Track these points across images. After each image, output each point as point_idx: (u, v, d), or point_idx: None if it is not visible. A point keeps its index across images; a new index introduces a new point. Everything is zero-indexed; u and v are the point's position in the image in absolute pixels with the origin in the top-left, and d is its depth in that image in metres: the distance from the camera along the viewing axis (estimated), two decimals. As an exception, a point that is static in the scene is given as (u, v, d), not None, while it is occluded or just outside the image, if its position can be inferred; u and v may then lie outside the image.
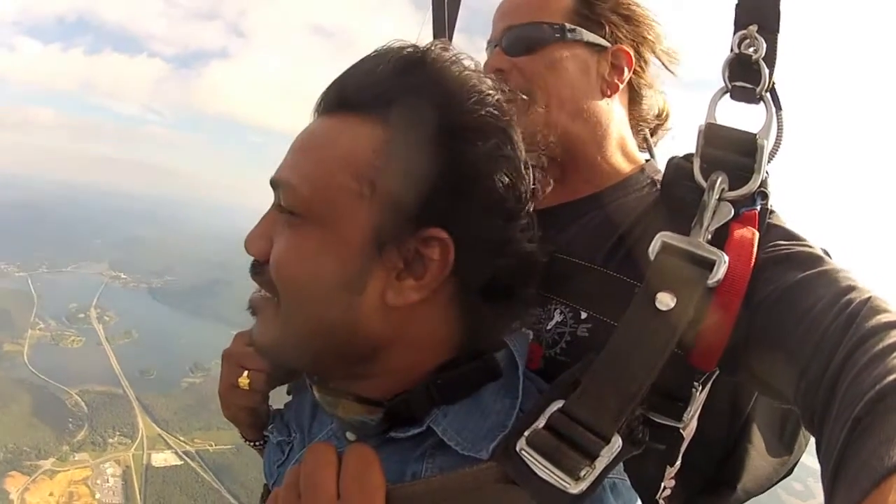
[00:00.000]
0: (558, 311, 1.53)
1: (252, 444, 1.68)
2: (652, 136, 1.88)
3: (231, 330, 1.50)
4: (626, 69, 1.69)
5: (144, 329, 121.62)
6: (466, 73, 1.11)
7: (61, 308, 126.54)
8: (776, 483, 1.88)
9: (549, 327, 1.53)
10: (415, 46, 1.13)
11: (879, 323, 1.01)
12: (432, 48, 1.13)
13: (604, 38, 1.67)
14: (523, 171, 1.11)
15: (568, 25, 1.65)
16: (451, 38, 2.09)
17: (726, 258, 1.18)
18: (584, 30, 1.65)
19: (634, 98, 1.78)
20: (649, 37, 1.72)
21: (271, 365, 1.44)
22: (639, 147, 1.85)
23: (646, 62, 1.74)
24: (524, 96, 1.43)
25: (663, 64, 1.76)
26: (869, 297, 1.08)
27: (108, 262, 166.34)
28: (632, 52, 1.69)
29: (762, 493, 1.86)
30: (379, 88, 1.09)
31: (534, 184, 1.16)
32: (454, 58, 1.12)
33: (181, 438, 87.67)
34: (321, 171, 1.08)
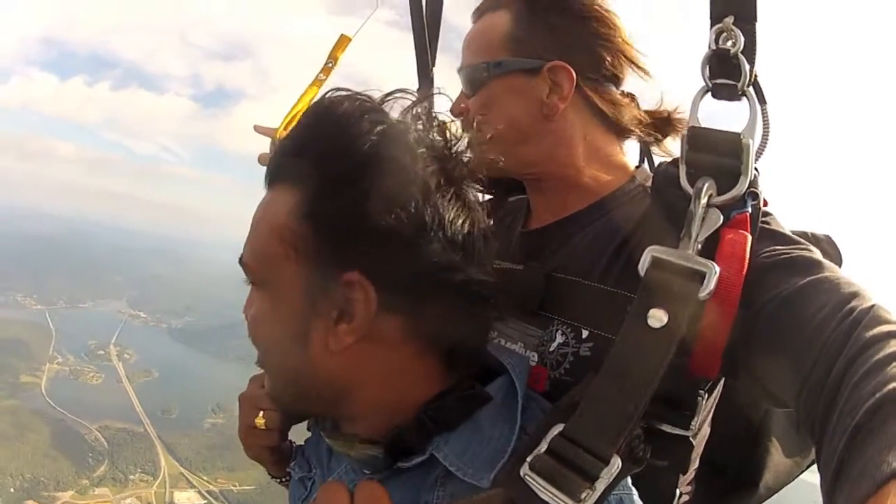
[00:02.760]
0: (560, 331, 1.61)
1: (279, 480, 1.83)
2: (666, 136, 1.87)
3: (252, 371, 1.67)
4: (565, 84, 1.70)
5: (165, 368, 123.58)
6: (353, 117, 1.19)
7: (80, 343, 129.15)
8: (797, 476, 1.99)
9: (552, 349, 1.61)
10: (317, 103, 1.27)
11: (881, 332, 1.04)
12: (325, 100, 1.25)
13: (540, 57, 1.71)
14: (435, 211, 1.18)
15: (494, 61, 1.74)
16: (433, 61, 2.28)
17: (717, 269, 1.19)
18: (514, 58, 1.73)
19: (601, 108, 1.76)
20: (602, 31, 1.73)
21: (282, 407, 1.56)
22: (644, 150, 2.02)
23: (607, 65, 1.75)
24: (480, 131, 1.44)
25: (628, 58, 1.77)
26: (872, 306, 1.11)
27: (126, 299, 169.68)
28: (569, 66, 1.69)
29: (783, 487, 1.98)
30: (287, 156, 1.26)
31: (460, 216, 1.22)
32: (346, 113, 1.21)
33: (204, 478, 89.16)
34: (259, 242, 1.26)
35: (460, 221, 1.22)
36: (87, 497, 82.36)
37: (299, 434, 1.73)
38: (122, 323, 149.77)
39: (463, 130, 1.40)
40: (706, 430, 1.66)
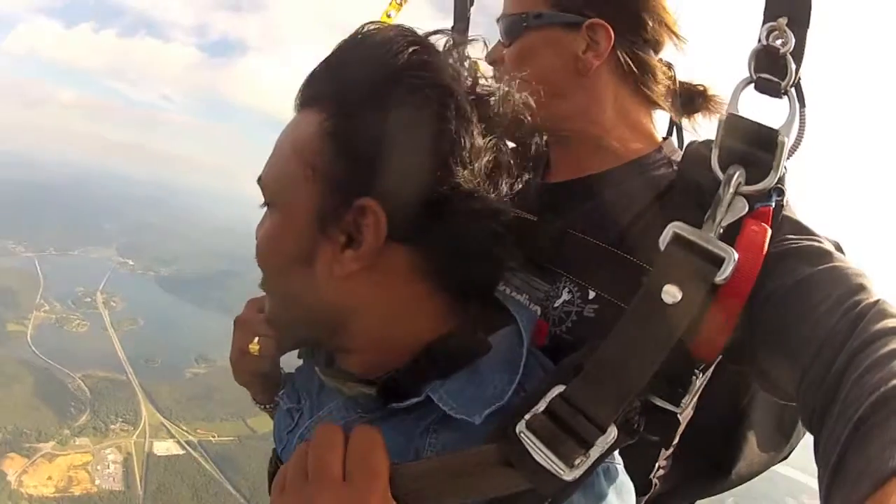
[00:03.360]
0: (567, 289, 1.59)
1: (263, 407, 1.84)
2: (697, 112, 1.88)
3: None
4: (602, 43, 1.69)
5: (151, 317, 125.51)
6: (391, 49, 1.16)
7: (68, 291, 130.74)
8: (769, 468, 2.00)
9: (556, 305, 1.59)
10: (357, 31, 1.25)
11: (886, 327, 1.04)
12: (364, 29, 1.23)
13: (580, 14, 1.70)
14: (460, 136, 1.15)
15: (534, 12, 1.72)
16: (468, 25, 2.26)
17: (736, 256, 1.19)
18: (555, 11, 1.72)
19: (636, 72, 1.76)
20: (631, 6, 1.72)
21: (279, 333, 1.54)
22: (673, 124, 1.96)
23: (648, 30, 1.74)
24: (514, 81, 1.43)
25: (667, 26, 1.75)
26: (877, 301, 1.11)
27: (116, 247, 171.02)
28: (608, 25, 1.68)
29: (754, 478, 1.98)
30: (318, 78, 1.26)
31: (487, 150, 1.20)
32: (384, 36, 1.19)
33: (184, 428, 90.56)
34: (279, 163, 1.26)
35: (485, 153, 1.20)
36: (67, 447, 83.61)
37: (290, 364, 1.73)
38: (110, 270, 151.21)
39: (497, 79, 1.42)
40: (691, 408, 1.66)
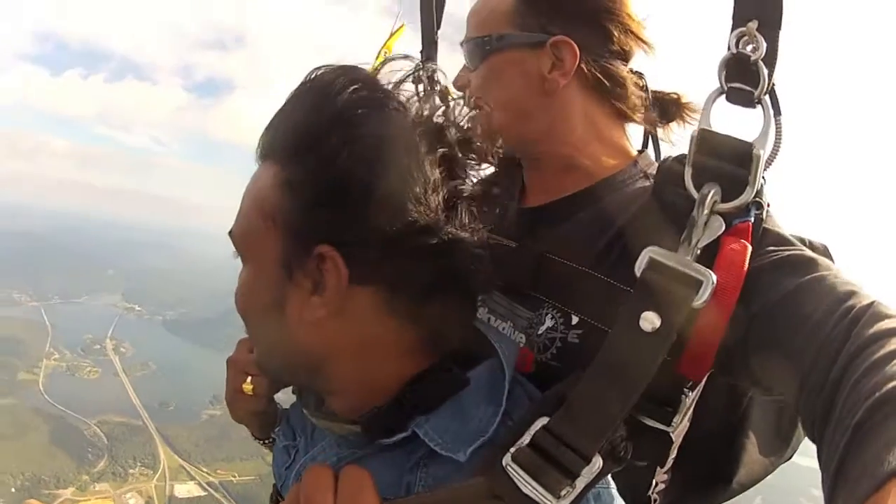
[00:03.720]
0: (549, 315, 1.59)
1: (262, 442, 1.88)
2: (672, 121, 1.86)
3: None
4: (567, 60, 1.67)
5: (162, 361, 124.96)
6: (331, 92, 1.18)
7: (76, 339, 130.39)
8: (770, 473, 1.98)
9: (540, 332, 1.58)
10: (304, 78, 1.26)
11: (881, 329, 1.04)
12: (314, 74, 1.25)
13: (543, 31, 1.68)
14: (410, 172, 1.15)
15: (496, 34, 1.72)
16: (436, 49, 2.24)
17: (714, 279, 1.19)
18: (517, 32, 1.70)
19: (605, 86, 1.72)
20: (607, 4, 1.69)
21: (267, 376, 1.61)
22: (648, 134, 1.95)
23: (614, 41, 1.71)
24: (478, 105, 1.44)
25: (633, 34, 1.73)
26: (871, 303, 1.10)
27: (121, 293, 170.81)
28: (574, 43, 1.66)
29: (756, 483, 1.96)
30: (274, 131, 1.28)
31: (445, 180, 1.20)
32: (325, 80, 1.22)
33: (204, 470, 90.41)
34: (244, 216, 1.29)
35: (441, 184, 1.20)
36: (87, 493, 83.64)
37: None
38: (117, 316, 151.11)
39: (464, 104, 1.43)
40: (686, 424, 1.66)
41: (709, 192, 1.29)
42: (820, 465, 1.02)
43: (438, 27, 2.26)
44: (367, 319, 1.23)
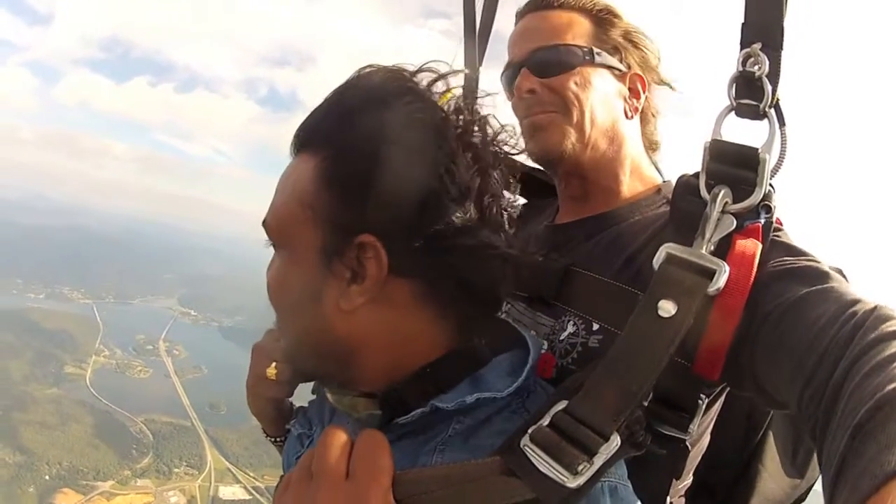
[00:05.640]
0: (571, 322, 1.71)
1: (273, 440, 1.89)
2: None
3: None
4: (641, 94, 1.93)
5: (215, 365, 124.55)
6: (381, 91, 1.27)
7: (128, 338, 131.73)
8: None
9: (562, 338, 1.71)
10: (352, 75, 1.34)
11: (884, 332, 1.07)
12: (359, 74, 1.32)
13: (620, 62, 1.91)
14: (450, 173, 1.23)
15: (595, 49, 1.87)
16: (481, 62, 2.40)
17: (727, 268, 1.29)
18: (606, 54, 1.89)
19: (650, 118, 2.02)
20: (653, 64, 1.97)
21: (294, 368, 1.61)
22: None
23: (650, 87, 1.97)
24: (554, 110, 1.82)
25: (668, 86, 2.01)
26: (875, 307, 1.15)
27: (177, 297, 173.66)
28: (644, 77, 1.93)
29: None
30: (312, 123, 1.33)
31: (478, 186, 1.28)
32: (375, 79, 1.30)
33: (250, 474, 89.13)
34: (281, 205, 1.32)
35: (478, 187, 1.28)
36: (127, 488, 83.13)
37: (304, 400, 1.78)
38: (172, 320, 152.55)
39: (528, 110, 1.86)
40: (703, 443, 1.77)
41: (720, 191, 1.42)
42: (820, 466, 1.08)
43: (481, 63, 2.41)
44: (402, 311, 1.29)
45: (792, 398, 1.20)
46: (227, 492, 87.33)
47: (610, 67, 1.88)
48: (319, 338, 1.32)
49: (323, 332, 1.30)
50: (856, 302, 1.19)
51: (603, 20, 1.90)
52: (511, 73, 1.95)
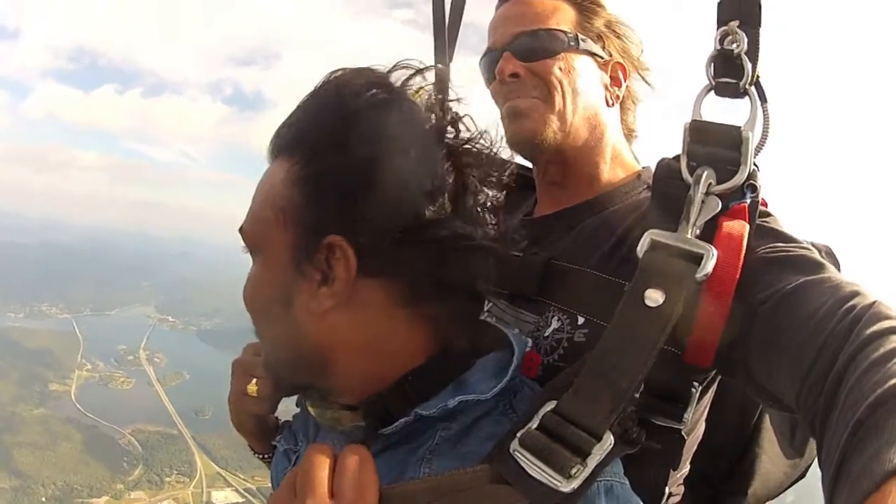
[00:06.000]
0: (556, 317, 1.69)
1: (261, 456, 1.87)
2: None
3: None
4: (622, 82, 1.92)
5: (196, 370, 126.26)
6: (348, 91, 1.26)
7: (109, 350, 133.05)
8: (788, 487, 2.08)
9: (546, 334, 1.68)
10: (322, 80, 1.33)
11: (882, 328, 1.06)
12: (331, 77, 1.32)
13: (602, 50, 1.89)
14: (420, 167, 1.22)
15: (580, 35, 1.85)
16: (451, 58, 2.31)
17: (714, 252, 1.26)
18: (589, 41, 1.87)
19: (629, 105, 2.00)
20: (634, 53, 1.96)
21: (274, 377, 1.57)
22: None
23: (630, 76, 1.96)
24: (537, 96, 1.80)
25: (643, 79, 1.99)
26: (873, 303, 1.14)
27: (154, 304, 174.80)
28: (625, 66, 1.92)
29: (773, 497, 2.07)
30: (288, 130, 1.34)
31: (453, 177, 1.27)
32: (342, 80, 1.30)
33: (241, 476, 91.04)
34: (255, 210, 1.34)
35: (450, 180, 1.27)
36: (122, 501, 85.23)
37: (288, 414, 1.81)
38: (150, 328, 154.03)
39: (510, 94, 1.83)
40: (699, 431, 1.76)
41: (703, 172, 1.39)
42: (819, 461, 1.06)
43: (451, 60, 2.34)
44: (376, 312, 1.26)
45: (789, 390, 1.18)
46: (219, 496, 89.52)
47: (593, 55, 1.87)
48: (294, 344, 1.30)
49: (296, 338, 1.29)
50: (854, 295, 1.17)
51: (586, 8, 1.89)
52: (492, 58, 1.92)
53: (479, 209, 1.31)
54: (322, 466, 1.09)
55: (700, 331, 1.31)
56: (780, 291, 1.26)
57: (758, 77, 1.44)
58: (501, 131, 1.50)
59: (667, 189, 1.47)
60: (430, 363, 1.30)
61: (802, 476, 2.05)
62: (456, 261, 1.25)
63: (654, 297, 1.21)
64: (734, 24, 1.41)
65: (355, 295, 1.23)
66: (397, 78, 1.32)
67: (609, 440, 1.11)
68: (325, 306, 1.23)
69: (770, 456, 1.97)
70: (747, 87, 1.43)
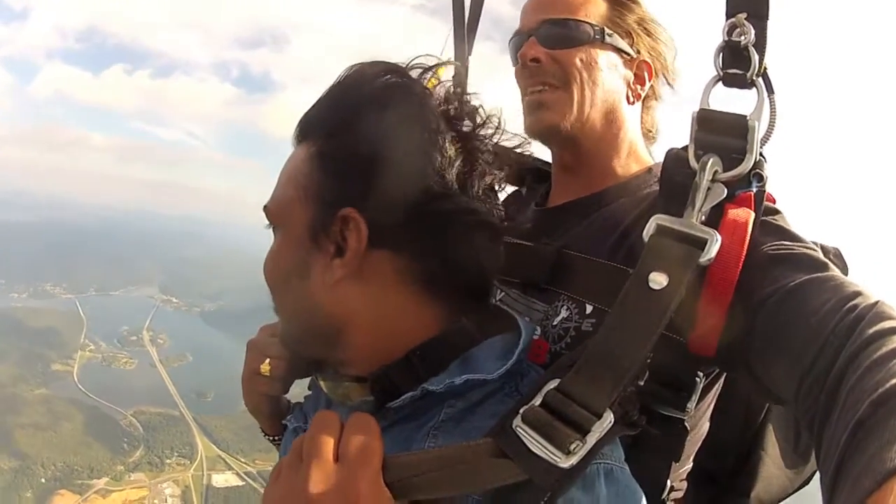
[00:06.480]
0: (564, 306, 1.73)
1: (270, 438, 1.92)
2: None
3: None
4: (647, 80, 1.96)
5: (199, 352, 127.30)
6: (364, 78, 1.36)
7: (112, 330, 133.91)
8: (791, 494, 2.09)
9: (555, 323, 1.73)
10: (345, 70, 1.42)
11: (884, 328, 1.07)
12: (350, 69, 1.40)
13: (630, 47, 1.93)
14: (431, 146, 1.30)
15: (606, 29, 1.90)
16: (470, 50, 2.40)
17: (718, 237, 1.28)
18: (617, 36, 1.91)
19: (652, 103, 2.06)
20: (664, 53, 2.00)
21: (291, 354, 1.66)
22: None
23: (657, 76, 2.00)
24: (555, 83, 1.87)
25: (667, 82, 2.05)
26: (876, 302, 1.15)
27: (158, 285, 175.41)
28: (652, 65, 1.96)
29: (777, 502, 2.08)
30: (309, 117, 1.43)
31: (461, 157, 1.34)
32: (360, 69, 1.39)
33: (242, 460, 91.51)
34: (279, 189, 1.43)
35: (457, 159, 1.32)
36: (122, 483, 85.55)
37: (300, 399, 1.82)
38: (154, 308, 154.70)
39: (530, 80, 1.88)
40: (703, 429, 1.77)
41: (709, 160, 1.40)
42: (818, 459, 1.07)
43: (470, 53, 2.40)
44: (386, 286, 1.32)
45: (789, 387, 1.20)
46: (219, 479, 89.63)
47: (619, 50, 1.91)
48: (308, 315, 1.37)
49: (311, 309, 1.35)
50: (857, 294, 1.18)
51: (620, 3, 1.94)
52: (518, 41, 1.99)
53: (485, 191, 1.38)
54: (329, 432, 1.12)
55: (703, 318, 1.34)
56: (784, 288, 1.27)
57: (765, 68, 1.46)
58: (508, 115, 1.50)
59: (674, 177, 1.49)
60: (437, 338, 1.33)
61: (806, 483, 2.07)
62: (461, 235, 1.32)
63: (658, 279, 1.23)
64: (742, 16, 1.44)
65: (366, 265, 1.29)
66: (416, 71, 1.39)
67: (609, 418, 1.13)
68: (336, 276, 1.29)
69: (774, 459, 2.00)
70: (754, 77, 1.45)
